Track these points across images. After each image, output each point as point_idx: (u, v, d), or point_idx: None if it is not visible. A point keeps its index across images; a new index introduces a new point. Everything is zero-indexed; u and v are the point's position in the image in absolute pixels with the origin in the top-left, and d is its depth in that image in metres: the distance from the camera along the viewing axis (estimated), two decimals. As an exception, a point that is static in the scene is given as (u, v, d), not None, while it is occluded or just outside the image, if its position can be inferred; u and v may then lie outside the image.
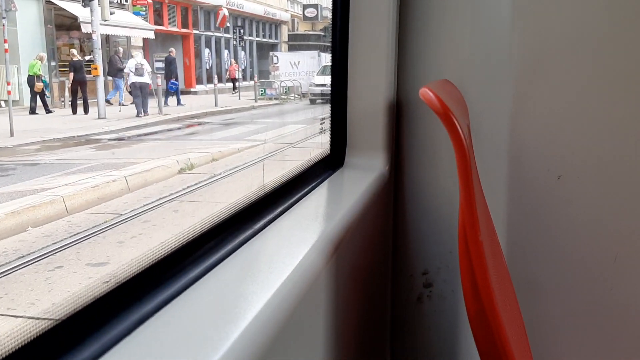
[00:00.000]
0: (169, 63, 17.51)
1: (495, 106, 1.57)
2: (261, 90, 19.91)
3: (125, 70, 14.42)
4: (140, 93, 13.56)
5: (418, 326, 1.69)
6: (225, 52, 24.19)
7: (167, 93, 16.60)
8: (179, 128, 13.01)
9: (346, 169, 1.53)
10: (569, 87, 1.54)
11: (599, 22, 1.51)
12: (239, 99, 19.84)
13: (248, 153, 9.04)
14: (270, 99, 19.60)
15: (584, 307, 1.60)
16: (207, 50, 23.25)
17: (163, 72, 16.79)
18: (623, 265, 1.57)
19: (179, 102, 17.09)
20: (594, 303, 1.60)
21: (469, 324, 0.93)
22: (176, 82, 17.34)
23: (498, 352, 0.91)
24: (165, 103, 15.88)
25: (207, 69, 22.95)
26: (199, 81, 22.30)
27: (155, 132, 11.73)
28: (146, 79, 13.93)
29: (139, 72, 13.85)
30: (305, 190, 1.29)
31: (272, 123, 14.30)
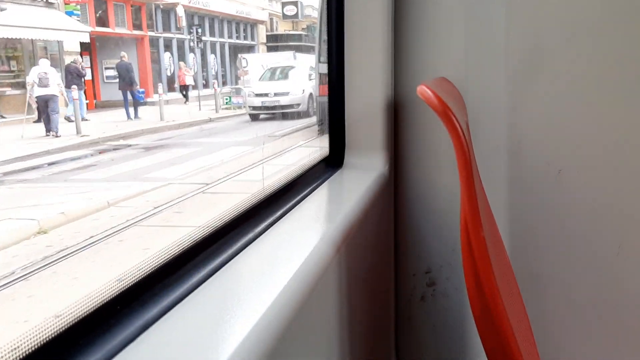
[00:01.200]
0: (125, 70, 14.72)
1: (493, 102, 1.57)
2: (226, 99, 16.60)
3: (28, 81, 11.54)
4: (46, 108, 11.05)
5: (422, 325, 1.69)
6: (191, 55, 20.87)
7: (135, 104, 14.15)
8: (85, 156, 9.75)
9: (346, 170, 1.53)
10: (565, 80, 1.54)
11: (594, 15, 1.51)
12: (199, 109, 16.83)
13: (116, 213, 5.31)
14: (236, 108, 16.08)
15: (588, 300, 1.60)
16: (167, 55, 19.97)
17: (117, 80, 14.28)
18: (626, 257, 1.57)
19: (134, 115, 14.36)
20: (599, 295, 1.59)
21: (474, 321, 0.92)
22: (142, 90, 14.84)
23: (504, 347, 0.91)
24: (136, 116, 13.81)
25: (167, 76, 19.69)
26: (158, 89, 19.20)
27: (40, 166, 8.13)
28: (52, 90, 11.33)
29: (42, 82, 11.18)
30: (306, 192, 1.29)
31: (217, 143, 11.22)
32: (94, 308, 0.63)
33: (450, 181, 1.60)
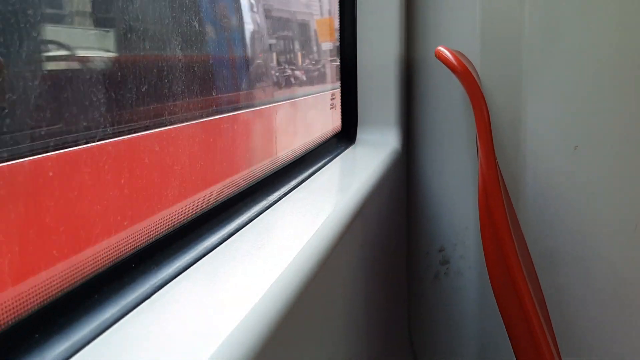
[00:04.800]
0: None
1: (508, 77, 1.54)
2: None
3: None
4: None
5: (436, 303, 1.67)
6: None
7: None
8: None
9: (358, 146, 1.51)
10: (582, 55, 1.51)
11: None
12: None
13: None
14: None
15: (604, 278, 1.58)
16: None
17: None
18: None
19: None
20: (614, 273, 1.57)
21: (492, 289, 0.90)
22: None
23: (524, 317, 0.89)
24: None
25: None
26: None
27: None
28: None
29: None
30: (317, 165, 1.27)
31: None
32: (111, 265, 0.62)
33: (465, 158, 1.58)
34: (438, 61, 1.00)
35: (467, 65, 1.01)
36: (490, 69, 1.53)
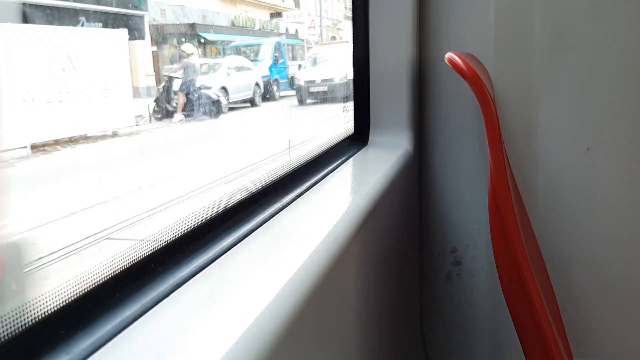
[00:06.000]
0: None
1: (521, 79, 1.55)
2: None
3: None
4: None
5: (448, 304, 1.68)
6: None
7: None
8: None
9: (371, 147, 1.53)
10: (595, 58, 1.51)
11: None
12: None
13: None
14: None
15: (615, 280, 1.58)
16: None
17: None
18: None
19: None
20: (626, 275, 1.57)
21: (502, 290, 0.92)
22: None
23: (533, 318, 0.90)
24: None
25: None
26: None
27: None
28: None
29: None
30: (331, 167, 1.29)
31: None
32: (131, 264, 0.65)
33: (476, 159, 1.59)
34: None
35: (478, 69, 1.02)
36: (503, 72, 1.54)
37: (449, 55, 0.85)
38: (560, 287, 1.55)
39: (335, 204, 1.05)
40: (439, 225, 1.66)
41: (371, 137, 1.55)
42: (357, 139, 1.54)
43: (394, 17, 1.51)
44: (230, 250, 0.78)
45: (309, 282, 0.74)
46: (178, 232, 0.75)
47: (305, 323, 0.72)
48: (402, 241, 1.50)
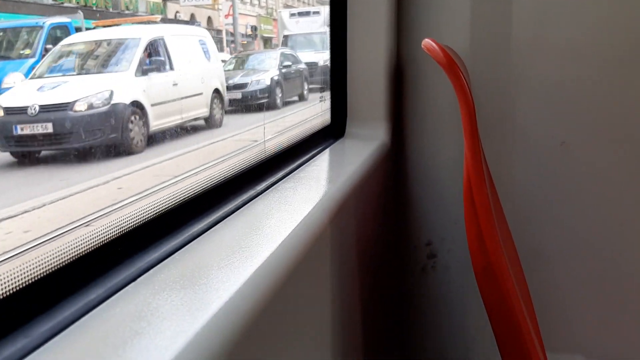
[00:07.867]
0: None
1: (497, 73, 1.55)
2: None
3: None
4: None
5: (424, 297, 1.68)
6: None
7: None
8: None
9: (347, 139, 1.52)
10: (570, 52, 1.52)
11: None
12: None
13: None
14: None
15: (590, 274, 1.60)
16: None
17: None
18: (629, 233, 1.56)
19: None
20: (600, 269, 1.59)
21: (475, 278, 0.92)
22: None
23: (506, 307, 0.90)
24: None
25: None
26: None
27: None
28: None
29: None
30: (306, 157, 1.28)
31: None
32: (97, 246, 0.63)
33: (454, 153, 1.59)
34: (428, 56, 1.01)
35: (455, 59, 1.02)
36: (480, 65, 1.54)
37: (427, 41, 0.84)
38: (535, 281, 1.56)
39: (310, 193, 1.04)
40: (415, 217, 1.66)
41: (348, 129, 1.54)
42: (334, 131, 1.53)
43: (372, 9, 1.50)
44: (202, 236, 0.76)
45: (281, 268, 0.72)
46: (146, 216, 0.73)
47: (277, 311, 0.70)
48: (378, 233, 1.50)
